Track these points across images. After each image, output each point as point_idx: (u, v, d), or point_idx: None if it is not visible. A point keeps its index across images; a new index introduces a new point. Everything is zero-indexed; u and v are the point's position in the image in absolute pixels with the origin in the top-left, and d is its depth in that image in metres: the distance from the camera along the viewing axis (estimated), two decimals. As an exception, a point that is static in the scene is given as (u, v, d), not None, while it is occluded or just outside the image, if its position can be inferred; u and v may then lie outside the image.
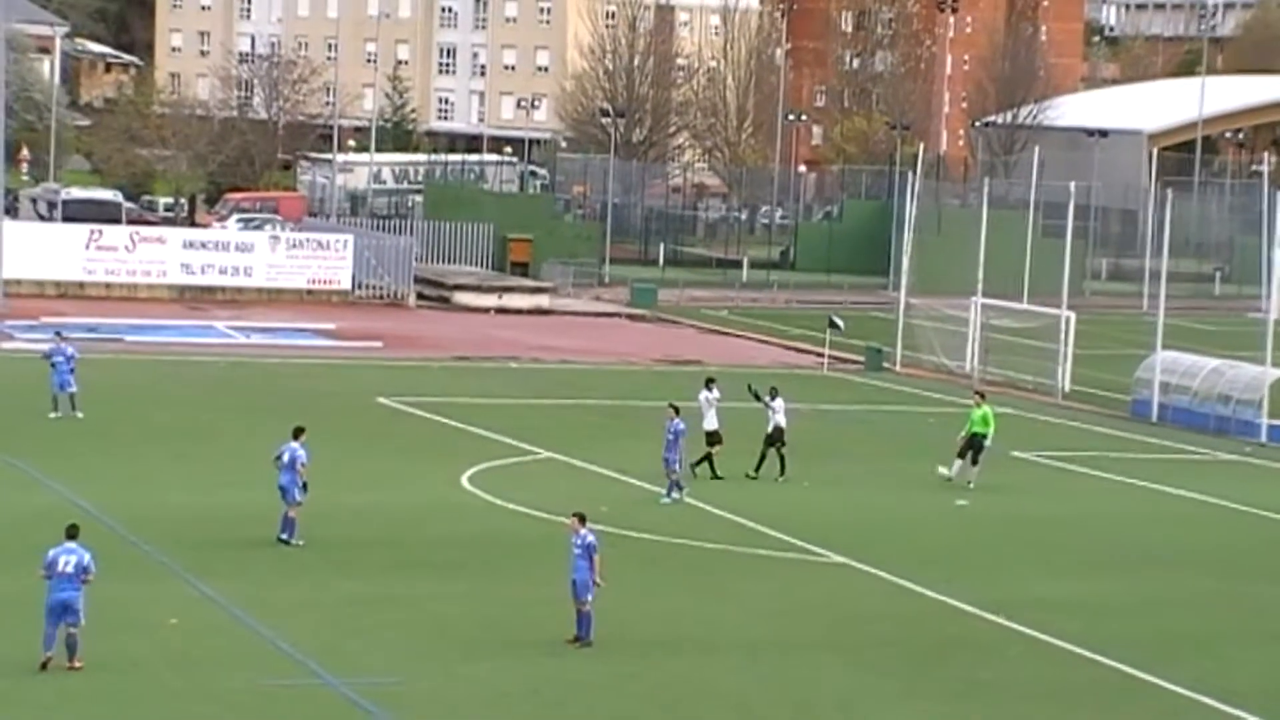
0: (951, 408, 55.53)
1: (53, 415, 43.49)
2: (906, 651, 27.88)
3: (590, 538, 26.79)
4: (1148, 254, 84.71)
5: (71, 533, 25.01)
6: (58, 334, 45.36)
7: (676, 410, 37.52)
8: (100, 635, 25.32)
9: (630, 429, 47.29)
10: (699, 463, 39.65)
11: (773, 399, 40.66)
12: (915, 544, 35.68)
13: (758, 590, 31.15)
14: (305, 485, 31.98)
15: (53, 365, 43.94)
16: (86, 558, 24.70)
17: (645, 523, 35.43)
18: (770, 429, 40.46)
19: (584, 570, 26.64)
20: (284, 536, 31.88)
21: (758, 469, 40.38)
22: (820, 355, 63.45)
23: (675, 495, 37.15)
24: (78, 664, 24.49)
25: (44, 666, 24.41)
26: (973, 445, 41.33)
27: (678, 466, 37.14)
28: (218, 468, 38.94)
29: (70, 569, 24.52)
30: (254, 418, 45.73)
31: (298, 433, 32.59)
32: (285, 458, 32.15)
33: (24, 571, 27.36)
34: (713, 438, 39.97)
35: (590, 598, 26.69)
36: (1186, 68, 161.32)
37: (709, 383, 41.29)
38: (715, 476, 39.72)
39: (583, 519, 27.03)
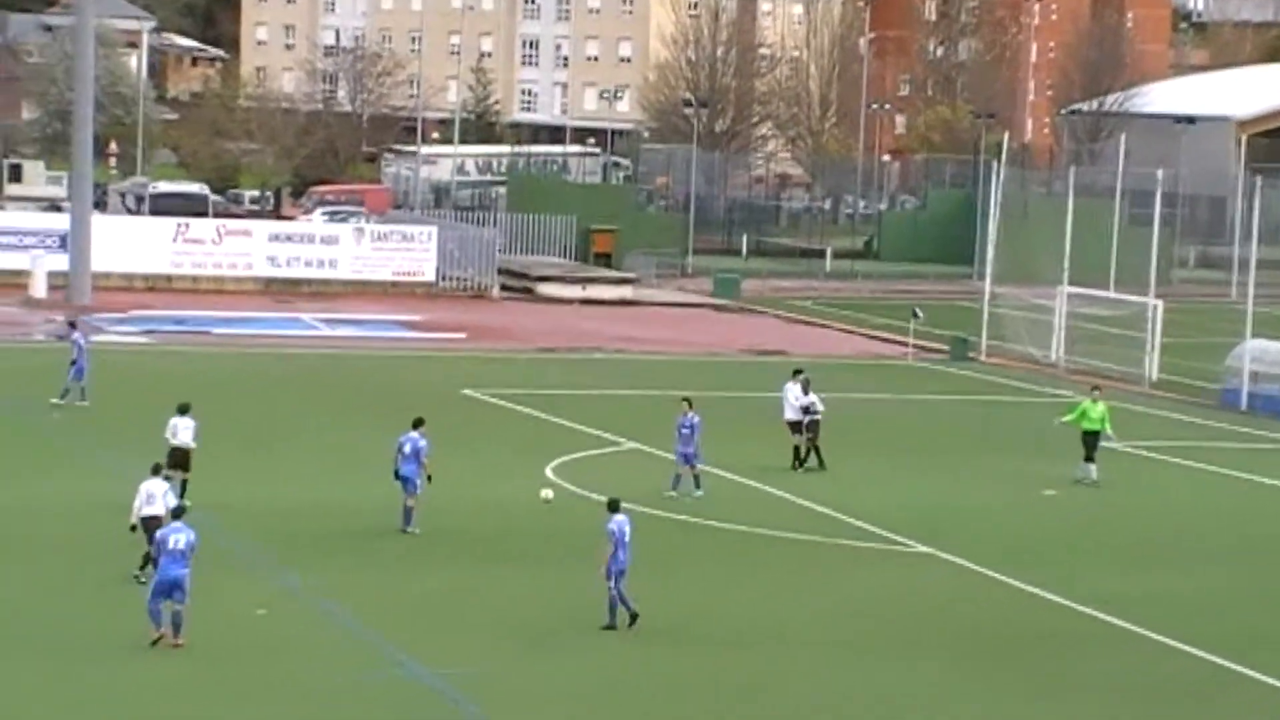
0: (1037, 397, 55.19)
1: (79, 403, 43.49)
2: (992, 643, 27.71)
3: (610, 525, 27.04)
4: (1236, 241, 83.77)
5: (178, 513, 25.70)
6: (71, 324, 45.45)
7: (690, 404, 37.07)
8: (192, 625, 25.50)
9: (714, 420, 47.16)
10: (804, 457, 39.65)
11: (805, 392, 40.13)
12: (1001, 535, 35.47)
13: (841, 581, 31.05)
14: (430, 476, 32.24)
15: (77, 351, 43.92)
16: (193, 536, 25.37)
17: (728, 514, 35.38)
18: (807, 421, 39.99)
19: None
20: (406, 527, 32.09)
21: (819, 461, 40.08)
22: (905, 345, 63.19)
23: (698, 493, 36.45)
24: (181, 641, 24.97)
25: (155, 643, 24.83)
26: (1088, 442, 40.77)
27: (699, 463, 36.60)
28: (305, 460, 39.16)
29: (181, 546, 25.11)
30: (340, 410, 45.99)
31: (418, 423, 32.72)
32: (407, 449, 32.38)
33: (121, 559, 27.66)
34: (795, 428, 39.85)
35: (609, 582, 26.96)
36: (1276, 53, 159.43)
37: (797, 374, 41.10)
38: (797, 467, 39.67)
39: (613, 505, 27.35)
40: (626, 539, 27.00)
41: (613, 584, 26.96)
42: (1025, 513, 37.82)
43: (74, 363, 43.62)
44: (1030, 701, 25.16)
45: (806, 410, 40.15)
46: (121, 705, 23.20)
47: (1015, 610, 29.88)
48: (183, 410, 33.91)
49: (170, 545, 25.14)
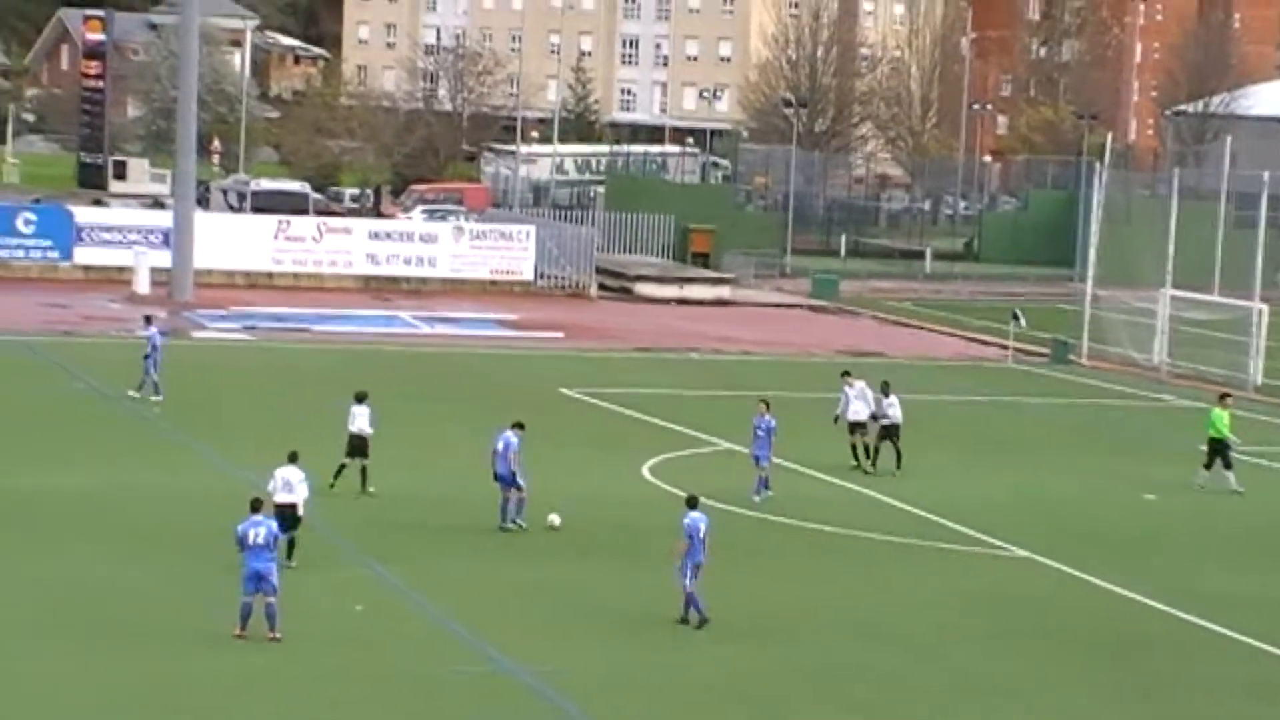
0: (1138, 401, 54.64)
1: (153, 397, 43.79)
2: (1091, 647, 27.46)
3: (685, 521, 27.16)
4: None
5: (256, 506, 25.79)
6: (147, 319, 45.69)
7: (767, 405, 36.72)
8: (288, 620, 25.64)
9: (811, 421, 47.03)
10: (875, 456, 39.44)
11: (885, 395, 39.67)
12: (1101, 538, 35.12)
13: (940, 584, 30.84)
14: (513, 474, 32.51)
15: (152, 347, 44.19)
16: (274, 527, 25.66)
17: (824, 515, 35.23)
18: (888, 423, 39.50)
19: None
20: (505, 523, 32.35)
21: (886, 461, 39.56)
22: (1004, 347, 62.72)
23: (766, 493, 36.01)
24: (277, 635, 25.13)
25: (240, 636, 25.01)
26: (1217, 451, 40.16)
27: (767, 463, 36.13)
28: (402, 456, 39.27)
29: (261, 540, 25.25)
30: (437, 407, 46.15)
31: (517, 426, 33.09)
32: (500, 446, 32.65)
33: (217, 553, 27.84)
34: (857, 428, 39.49)
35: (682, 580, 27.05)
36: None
37: (848, 374, 40.78)
38: (858, 467, 39.37)
39: (692, 502, 27.55)
40: (702, 535, 27.09)
41: (687, 581, 26.96)
42: (1125, 517, 37.42)
43: (147, 357, 43.92)
44: (1129, 698, 24.92)
45: (877, 416, 39.63)
46: (213, 696, 23.33)
47: (1115, 614, 29.59)
48: (360, 398, 34.95)
49: (251, 540, 25.26)
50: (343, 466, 34.33)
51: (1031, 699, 24.99)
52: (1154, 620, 29.31)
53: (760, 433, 36.19)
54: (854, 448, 39.69)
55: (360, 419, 34.63)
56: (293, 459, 29.21)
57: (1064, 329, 64.33)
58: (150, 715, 22.67)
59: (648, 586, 29.13)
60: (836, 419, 40.00)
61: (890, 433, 39.58)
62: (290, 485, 28.72)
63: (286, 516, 28.15)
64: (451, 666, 24.85)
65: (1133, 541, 35.16)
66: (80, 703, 22.92)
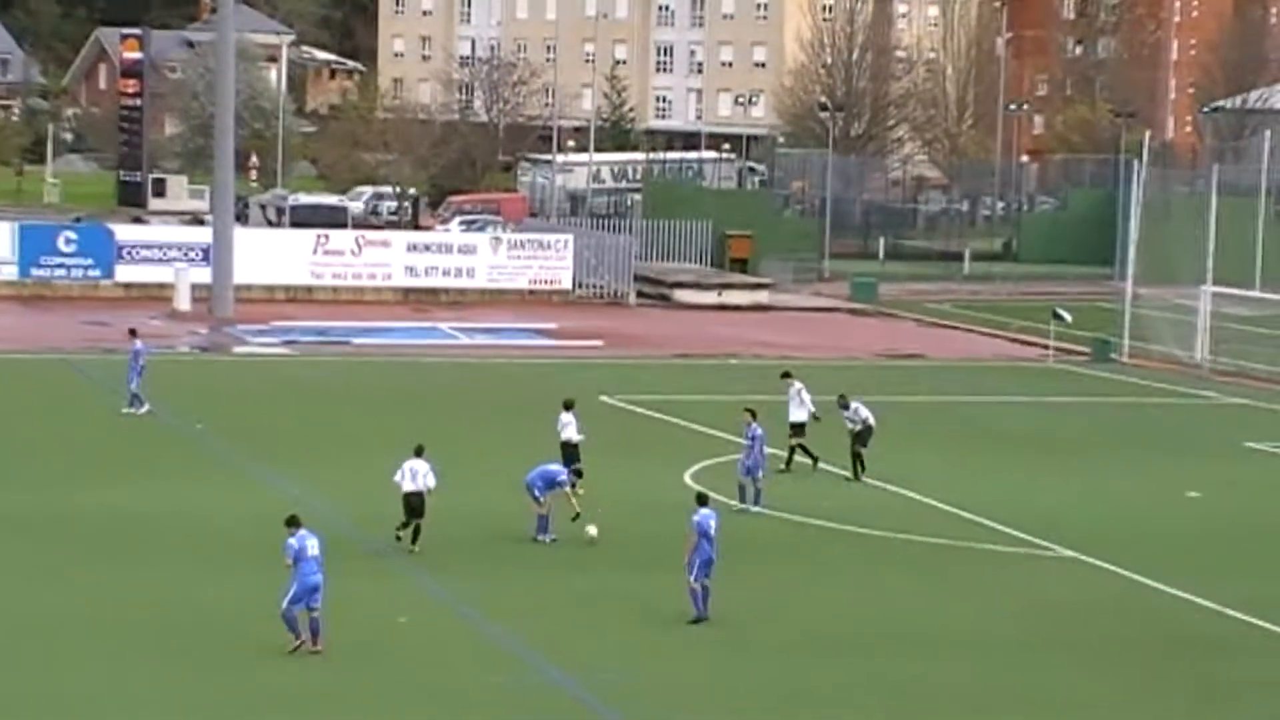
0: (1180, 399, 54.40)
1: (124, 410, 43.85)
2: (1143, 649, 27.34)
3: (695, 518, 27.35)
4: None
5: (293, 521, 25.85)
6: (132, 331, 45.60)
7: (754, 415, 36.35)
8: (333, 633, 25.72)
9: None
10: (789, 459, 38.83)
11: (847, 408, 38.93)
12: (1147, 538, 34.97)
13: (987, 586, 30.75)
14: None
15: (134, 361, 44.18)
16: (321, 539, 25.88)
17: (867, 518, 35.16)
18: (860, 429, 38.70)
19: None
20: (539, 536, 32.39)
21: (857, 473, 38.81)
22: (1045, 347, 62.52)
23: (759, 505, 35.50)
24: (319, 646, 25.22)
25: (295, 650, 25.11)
26: None
27: (760, 474, 35.59)
28: (445, 467, 39.27)
29: (317, 551, 25.52)
30: (479, 417, 46.19)
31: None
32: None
33: (264, 569, 27.89)
34: (798, 430, 39.04)
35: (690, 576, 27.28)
36: None
37: (787, 375, 40.51)
38: (787, 470, 38.83)
39: (702, 500, 27.95)
40: (712, 533, 27.30)
41: (693, 576, 27.14)
42: (1170, 516, 37.26)
43: (131, 369, 43.89)
44: (1183, 702, 24.81)
45: (818, 417, 39.15)
46: (260, 711, 23.40)
47: (1164, 615, 29.46)
48: (568, 406, 36.14)
49: (310, 551, 25.42)
50: (579, 472, 34.83)
51: (1086, 701, 24.87)
52: (1203, 620, 29.16)
53: (748, 442, 35.41)
54: (791, 450, 39.21)
55: (568, 428, 35.69)
56: (419, 452, 31.44)
57: (1105, 328, 64.10)
58: (199, 730, 22.76)
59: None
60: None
61: (862, 437, 38.64)
62: (416, 475, 30.97)
63: (414, 505, 30.88)
64: (498, 678, 24.86)
65: (1179, 540, 34.99)
66: (137, 717, 23.01)
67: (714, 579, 27.57)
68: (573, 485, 33.37)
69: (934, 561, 32.44)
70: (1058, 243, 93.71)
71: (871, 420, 38.80)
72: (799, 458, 39.23)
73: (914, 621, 28.36)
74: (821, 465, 38.98)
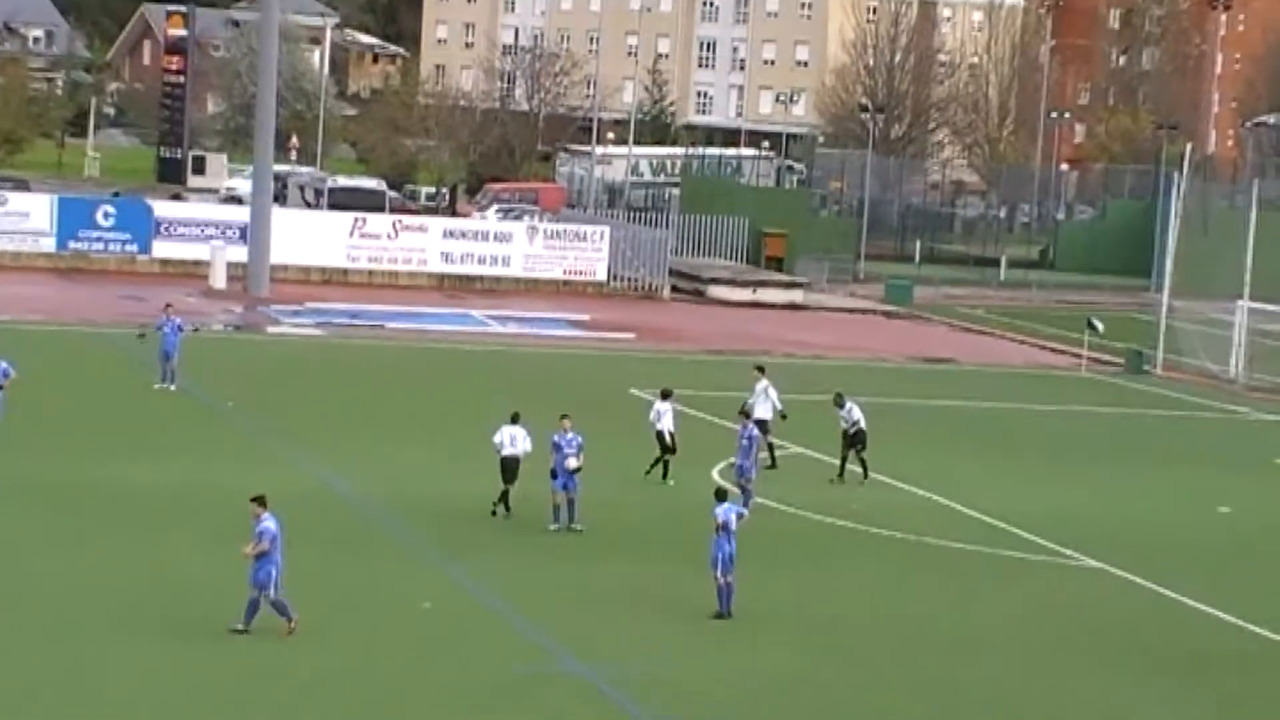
0: (1213, 413, 54.19)
1: (157, 386, 43.88)
2: (1166, 661, 27.24)
3: (717, 510, 27.49)
4: None
5: (264, 501, 25.48)
6: (168, 305, 45.62)
7: (748, 416, 36.13)
8: (356, 617, 25.76)
9: (883, 427, 46.87)
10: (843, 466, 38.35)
11: (842, 406, 38.53)
12: (1175, 550, 34.85)
13: (1011, 593, 30.68)
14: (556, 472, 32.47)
15: (161, 335, 44.24)
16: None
17: (896, 522, 35.10)
18: (852, 431, 38.25)
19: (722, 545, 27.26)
20: (558, 524, 32.38)
21: (840, 474, 38.39)
22: (1078, 356, 62.33)
23: (747, 507, 35.20)
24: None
25: (292, 631, 25.05)
26: None
27: (752, 474, 34.99)
28: (474, 453, 39.35)
29: (280, 538, 25.18)
30: (509, 405, 46.14)
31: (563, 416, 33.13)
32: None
33: (289, 550, 27.91)
34: (763, 427, 38.57)
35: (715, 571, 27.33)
36: None
37: (759, 370, 40.39)
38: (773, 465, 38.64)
39: (720, 494, 28.13)
40: (733, 527, 27.33)
41: (718, 572, 27.16)
42: (1199, 529, 37.13)
43: (163, 337, 43.96)
44: (1206, 716, 24.70)
45: (785, 415, 39.07)
46: (286, 696, 23.44)
47: (1189, 628, 29.35)
48: (665, 395, 37.23)
49: (279, 537, 25.12)
50: (659, 460, 36.52)
51: (1111, 713, 24.80)
52: (1228, 635, 29.04)
53: (743, 443, 35.00)
54: (771, 446, 38.95)
55: (665, 416, 36.54)
56: (515, 419, 32.91)
57: (1139, 339, 63.88)
58: (228, 711, 22.78)
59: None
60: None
61: (855, 440, 38.24)
62: (516, 439, 32.55)
63: (510, 469, 32.46)
64: (522, 667, 24.87)
65: (1207, 554, 34.86)
66: (160, 697, 23.06)
67: (739, 575, 27.53)
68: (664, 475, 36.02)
69: (959, 566, 32.37)
70: (1095, 252, 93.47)
71: (863, 423, 38.35)
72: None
73: (937, 625, 28.32)
74: (837, 462, 38.64)
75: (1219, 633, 29.17)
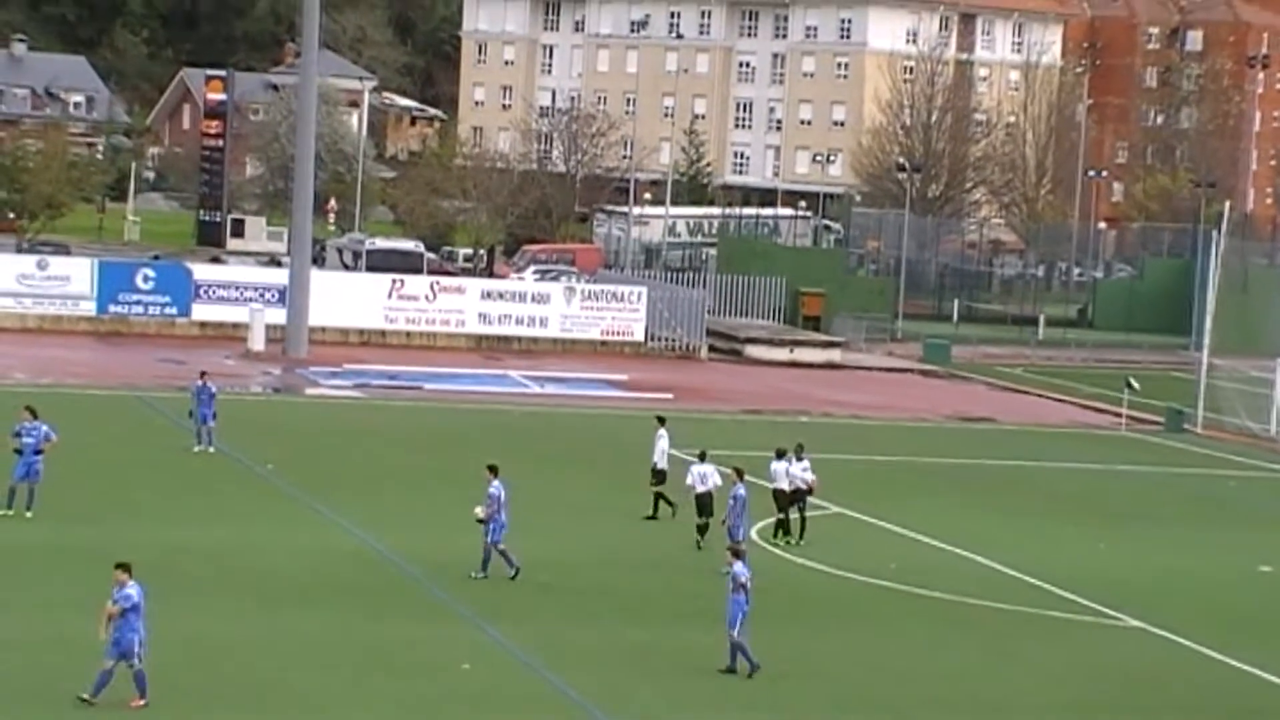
0: (1254, 471, 53.89)
1: (196, 449, 44.09)
2: (1207, 721, 27.04)
3: (734, 567, 27.58)
4: None
5: (129, 569, 24.52)
6: (203, 374, 45.72)
7: (740, 474, 35.58)
8: (394, 677, 25.67)
9: (921, 486, 46.74)
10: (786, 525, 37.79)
11: (800, 459, 38.05)
12: (1216, 610, 34.62)
13: (1050, 653, 30.48)
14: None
15: (198, 401, 44.37)
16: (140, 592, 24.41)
17: (934, 581, 34.94)
18: (790, 489, 37.62)
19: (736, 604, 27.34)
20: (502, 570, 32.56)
21: (784, 533, 37.71)
22: (1118, 415, 62.11)
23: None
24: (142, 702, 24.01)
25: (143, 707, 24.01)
26: None
27: (741, 534, 34.27)
28: (512, 514, 39.36)
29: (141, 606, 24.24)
30: (547, 466, 46.19)
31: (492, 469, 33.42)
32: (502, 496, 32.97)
33: (328, 611, 27.95)
34: (660, 476, 38.92)
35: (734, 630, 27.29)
36: None
37: (660, 420, 40.32)
38: (652, 517, 38.72)
39: (736, 553, 28.27)
40: (746, 584, 27.36)
41: (735, 630, 27.18)
42: (1240, 588, 36.88)
43: (196, 412, 44.08)
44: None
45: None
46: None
47: (1229, 688, 29.12)
48: (701, 457, 37.45)
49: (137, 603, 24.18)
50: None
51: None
52: (1271, 694, 28.81)
53: (731, 502, 34.58)
54: (655, 498, 39.00)
55: (712, 476, 36.73)
56: (702, 457, 36.42)
57: (1179, 398, 63.64)
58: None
59: (759, 649, 28.97)
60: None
61: (797, 497, 37.68)
62: (706, 478, 35.71)
63: (704, 504, 35.66)
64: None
65: (1248, 614, 34.61)
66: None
67: (761, 633, 27.41)
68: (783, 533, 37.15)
69: (997, 626, 32.19)
70: (1133, 311, 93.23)
71: (812, 482, 37.81)
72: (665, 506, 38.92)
73: (973, 686, 28.14)
74: (888, 526, 38.59)
75: (1261, 692, 28.93)
